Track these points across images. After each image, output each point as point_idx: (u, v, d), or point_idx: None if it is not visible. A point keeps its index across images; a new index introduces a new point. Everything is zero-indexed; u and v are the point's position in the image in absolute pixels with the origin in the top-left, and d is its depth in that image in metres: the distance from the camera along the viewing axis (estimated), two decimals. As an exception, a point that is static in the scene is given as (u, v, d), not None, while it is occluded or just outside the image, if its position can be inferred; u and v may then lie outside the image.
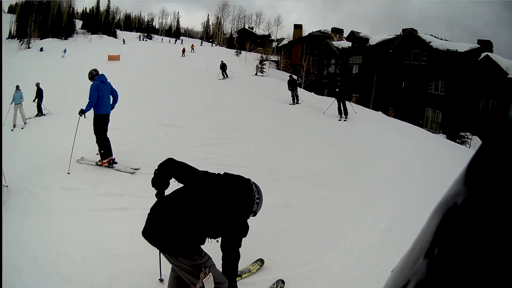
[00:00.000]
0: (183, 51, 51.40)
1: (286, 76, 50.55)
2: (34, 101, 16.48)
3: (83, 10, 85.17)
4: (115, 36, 75.22)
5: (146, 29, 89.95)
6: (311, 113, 18.53)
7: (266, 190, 3.85)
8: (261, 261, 5.14)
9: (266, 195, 3.78)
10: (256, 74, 43.16)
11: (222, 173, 3.58)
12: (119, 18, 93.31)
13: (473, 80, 32.68)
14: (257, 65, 46.07)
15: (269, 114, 16.75)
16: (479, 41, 36.23)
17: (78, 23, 75.06)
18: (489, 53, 33.29)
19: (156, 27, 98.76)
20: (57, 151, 9.04)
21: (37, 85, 17.31)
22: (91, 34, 72.22)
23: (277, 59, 58.32)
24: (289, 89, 22.49)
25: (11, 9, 57.04)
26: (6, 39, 52.17)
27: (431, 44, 36.13)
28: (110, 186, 7.33)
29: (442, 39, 37.77)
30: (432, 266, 0.46)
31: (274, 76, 43.16)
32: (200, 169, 3.52)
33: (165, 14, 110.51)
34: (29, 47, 52.76)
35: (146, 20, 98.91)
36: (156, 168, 3.45)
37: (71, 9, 76.47)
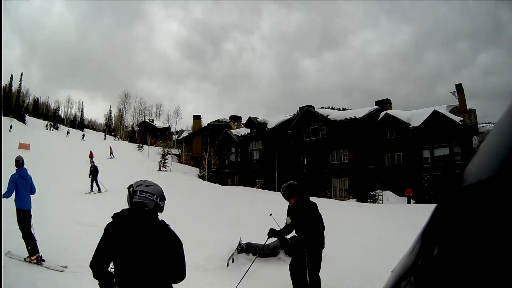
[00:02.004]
0: (110, 151, 43.61)
1: (189, 169, 47.81)
2: None
3: (-5, 86, 78.59)
4: (23, 121, 68.40)
5: (53, 118, 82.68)
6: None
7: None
8: None
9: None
10: (159, 169, 39.68)
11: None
12: (28, 102, 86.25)
13: (375, 140, 31.64)
14: (160, 160, 42.26)
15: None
16: (377, 102, 36.08)
17: (-11, 100, 67.88)
18: (388, 111, 32.59)
19: (62, 117, 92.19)
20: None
21: None
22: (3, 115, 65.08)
23: (178, 152, 53.76)
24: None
25: None
26: None
27: (328, 117, 33.99)
28: (49, 286, 6.31)
29: (339, 109, 36.52)
30: (431, 266, 0.46)
31: (177, 170, 41.36)
32: None
33: (70, 103, 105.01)
34: None
35: (53, 108, 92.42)
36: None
37: (-15, 81, 69.68)
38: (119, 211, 2.90)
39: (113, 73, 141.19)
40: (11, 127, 53.85)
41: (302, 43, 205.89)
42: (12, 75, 77.90)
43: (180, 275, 2.87)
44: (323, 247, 5.55)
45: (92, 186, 19.72)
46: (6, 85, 76.18)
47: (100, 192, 19.56)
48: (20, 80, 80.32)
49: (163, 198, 3.00)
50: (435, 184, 26.94)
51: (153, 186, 2.98)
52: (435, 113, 28.69)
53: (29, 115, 77.55)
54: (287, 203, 5.82)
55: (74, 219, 11.54)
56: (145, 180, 3.04)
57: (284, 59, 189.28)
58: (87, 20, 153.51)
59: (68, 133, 68.08)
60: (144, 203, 2.86)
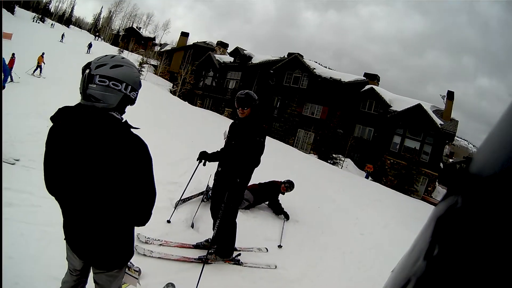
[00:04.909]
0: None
1: (163, 82, 43.87)
2: None
3: (-13, -26, 69.28)
4: (12, 12, 59.14)
5: (42, 11, 75.87)
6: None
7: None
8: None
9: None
10: None
11: None
12: None
13: (352, 109, 29.41)
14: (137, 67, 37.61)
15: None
16: (366, 74, 33.49)
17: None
18: (374, 86, 30.05)
19: (52, 11, 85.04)
20: None
21: None
22: (-11, 3, 56.60)
23: (156, 64, 49.62)
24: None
25: None
26: None
27: (315, 70, 31.10)
28: None
29: (326, 67, 33.86)
30: (431, 266, 0.45)
31: (151, 81, 37.21)
32: None
33: None
34: None
35: (44, 0, 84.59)
36: None
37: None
38: (64, 107, 1.78)
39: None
40: None
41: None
42: (7, -37, 68.65)
43: (144, 211, 1.78)
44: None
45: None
46: (-1, -27, 67.18)
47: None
48: (18, -31, 70.83)
49: (136, 87, 1.82)
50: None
51: (124, 68, 1.74)
52: (419, 106, 27.07)
53: (19, 6, 68.09)
54: None
55: (37, 111, 9.76)
56: (112, 56, 1.76)
57: (286, 3, 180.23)
58: None
59: (52, 25, 62.17)
60: (104, 97, 1.69)
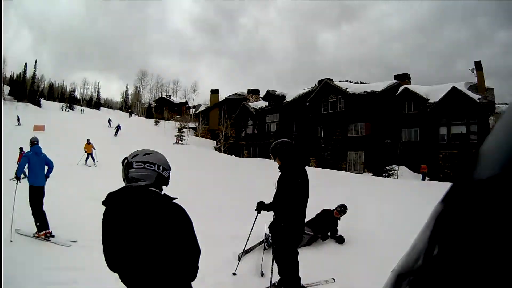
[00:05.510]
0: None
1: (205, 142, 46.04)
2: None
3: (11, 76, 73.80)
4: (39, 105, 64.40)
5: (68, 99, 78.57)
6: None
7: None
8: None
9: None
10: (176, 142, 38.60)
11: None
12: (43, 86, 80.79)
13: (393, 114, 29.35)
14: (176, 134, 40.74)
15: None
16: (396, 76, 33.43)
17: (6, 89, 63.56)
18: (407, 85, 30.16)
19: (78, 97, 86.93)
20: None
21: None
22: (17, 101, 60.68)
23: (195, 126, 52.04)
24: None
25: None
26: None
27: (347, 90, 31.71)
28: (54, 260, 5.79)
29: (358, 83, 34.59)
30: (431, 265, 0.44)
31: (193, 143, 39.98)
32: None
33: (86, 84, 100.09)
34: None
35: (68, 90, 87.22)
36: None
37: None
38: (112, 191, 2.16)
39: (128, 53, 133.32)
40: (18, 119, 39.77)
41: (319, 15, 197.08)
42: (26, 63, 71.97)
43: (192, 265, 2.10)
44: (302, 224, 4.56)
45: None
46: (20, 73, 70.92)
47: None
48: (35, 67, 73.49)
49: (167, 167, 2.29)
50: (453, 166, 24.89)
51: (153, 154, 2.28)
52: (453, 89, 26.46)
53: (44, 99, 72.34)
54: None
55: (87, 195, 10.72)
56: (142, 149, 2.33)
57: (301, 32, 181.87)
58: (96, 7, 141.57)
59: (81, 111, 65.57)
60: (143, 176, 2.16)
